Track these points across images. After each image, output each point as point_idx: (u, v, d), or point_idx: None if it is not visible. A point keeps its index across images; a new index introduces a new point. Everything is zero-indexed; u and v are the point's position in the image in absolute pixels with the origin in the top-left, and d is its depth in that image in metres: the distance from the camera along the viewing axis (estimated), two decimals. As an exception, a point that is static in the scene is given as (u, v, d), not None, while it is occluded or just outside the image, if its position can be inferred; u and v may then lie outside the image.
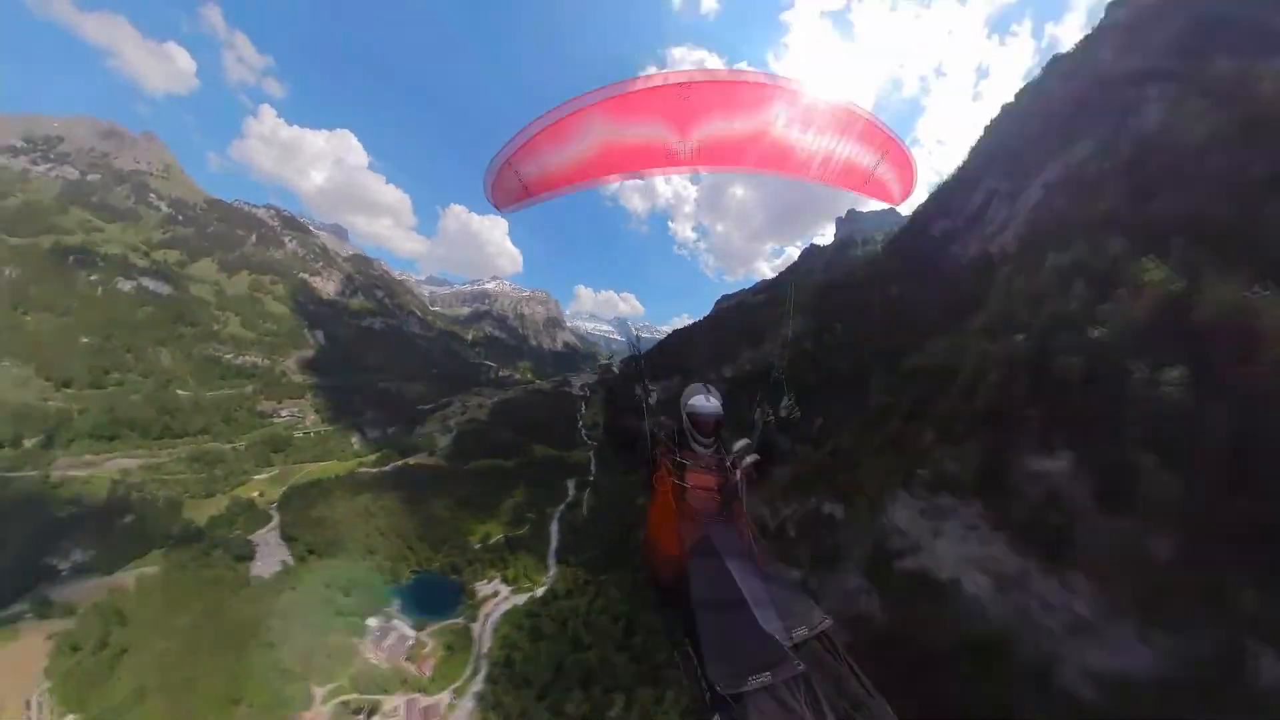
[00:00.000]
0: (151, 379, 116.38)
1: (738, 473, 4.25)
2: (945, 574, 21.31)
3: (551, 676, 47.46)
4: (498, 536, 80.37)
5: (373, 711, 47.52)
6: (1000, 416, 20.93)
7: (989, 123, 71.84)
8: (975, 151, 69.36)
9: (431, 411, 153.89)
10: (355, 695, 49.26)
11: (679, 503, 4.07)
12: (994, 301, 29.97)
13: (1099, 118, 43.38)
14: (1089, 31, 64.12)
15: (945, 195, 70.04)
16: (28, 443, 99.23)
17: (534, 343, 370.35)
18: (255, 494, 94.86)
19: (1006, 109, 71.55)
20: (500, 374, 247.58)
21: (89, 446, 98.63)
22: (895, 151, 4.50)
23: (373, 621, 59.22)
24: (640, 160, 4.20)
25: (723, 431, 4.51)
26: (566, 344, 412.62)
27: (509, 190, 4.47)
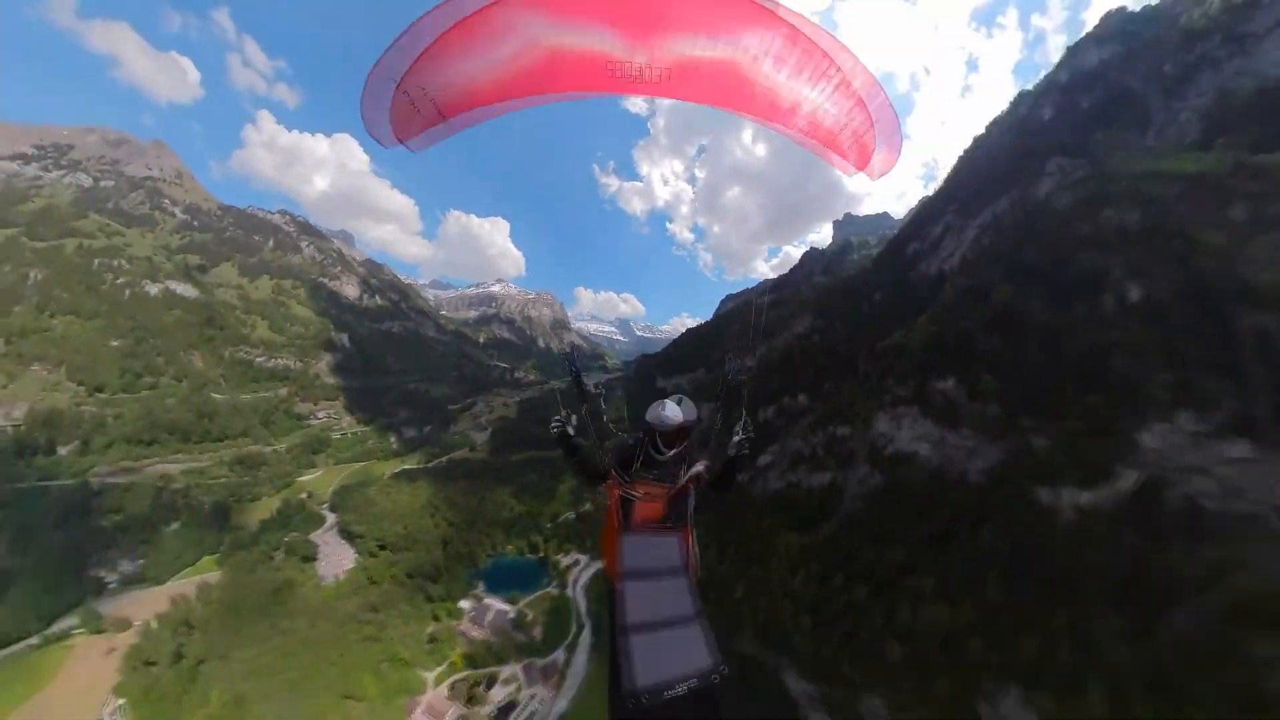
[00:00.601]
0: (186, 382, 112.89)
1: (683, 479, 4.13)
2: (907, 449, 38.28)
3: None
4: (565, 514, 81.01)
5: (491, 682, 46.13)
6: (928, 368, 39.83)
7: (950, 169, 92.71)
8: (939, 191, 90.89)
9: (460, 411, 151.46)
10: (469, 671, 47.87)
11: (625, 514, 4.01)
12: (938, 303, 47.53)
13: (1016, 179, 62.02)
14: (1031, 86, 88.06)
15: (919, 222, 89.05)
16: (62, 449, 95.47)
17: (542, 344, 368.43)
18: (304, 495, 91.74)
19: (962, 158, 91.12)
20: (515, 375, 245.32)
21: (126, 451, 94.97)
22: (885, 121, 3.79)
23: (465, 604, 58.30)
24: (581, 74, 3.36)
25: (690, 438, 4.34)
26: (572, 345, 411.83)
27: (410, 115, 3.34)
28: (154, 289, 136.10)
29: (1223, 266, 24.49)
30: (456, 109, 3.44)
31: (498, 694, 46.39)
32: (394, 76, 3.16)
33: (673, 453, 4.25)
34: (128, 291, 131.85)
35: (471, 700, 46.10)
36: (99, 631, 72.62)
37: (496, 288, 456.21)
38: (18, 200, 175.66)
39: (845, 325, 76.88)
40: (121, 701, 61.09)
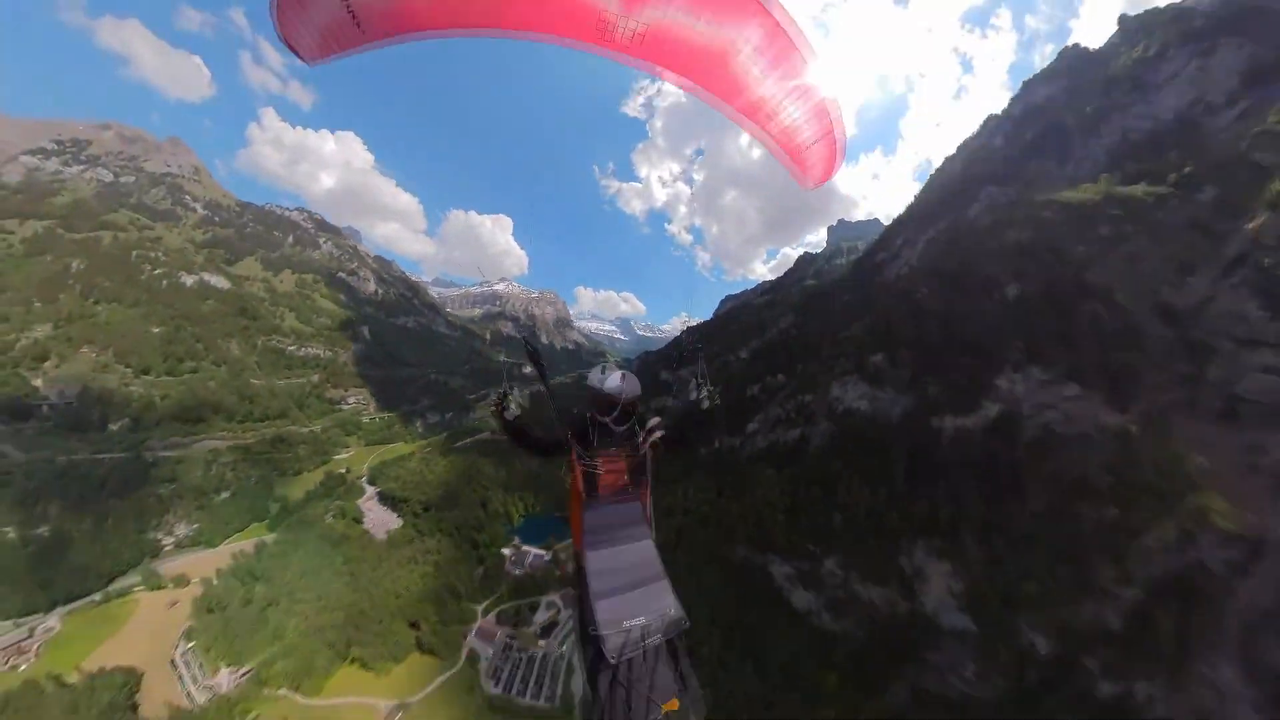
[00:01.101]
0: (225, 367, 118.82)
1: (644, 447, 4.27)
2: (853, 406, 50.28)
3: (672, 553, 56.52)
4: None
5: (534, 609, 53.91)
6: (865, 348, 52.85)
7: (918, 192, 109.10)
8: (909, 208, 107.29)
9: (476, 401, 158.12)
10: (513, 602, 55.61)
11: (590, 487, 4.13)
12: (879, 302, 62.89)
13: (958, 202, 74.43)
14: (988, 116, 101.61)
15: (888, 235, 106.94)
16: (114, 425, 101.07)
17: (546, 341, 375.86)
18: (343, 470, 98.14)
19: (930, 178, 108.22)
20: (524, 370, 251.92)
21: (175, 428, 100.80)
22: (831, 136, 3.88)
23: (506, 551, 65.64)
24: (560, 13, 2.97)
25: (638, 410, 4.35)
26: (575, 343, 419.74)
27: (320, 22, 2.81)
28: (189, 280, 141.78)
29: (1077, 273, 37.17)
30: (384, 27, 2.83)
31: (540, 617, 54.26)
32: None
33: (625, 422, 4.31)
34: (164, 282, 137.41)
35: (518, 624, 53.74)
36: (158, 588, 78.62)
37: (500, 286, 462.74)
38: (46, 194, 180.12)
39: (818, 321, 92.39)
40: (191, 644, 67.37)
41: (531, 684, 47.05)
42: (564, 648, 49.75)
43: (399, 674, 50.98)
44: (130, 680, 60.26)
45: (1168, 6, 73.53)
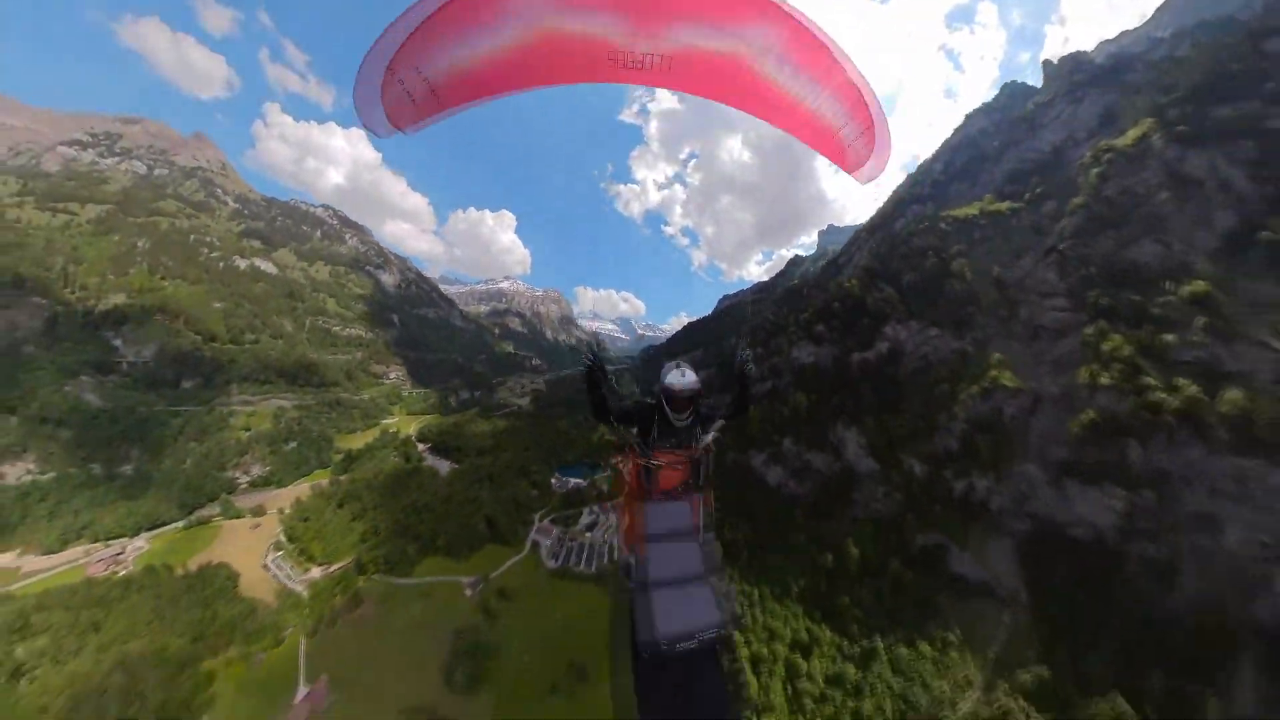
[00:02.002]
0: (281, 341, 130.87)
1: (703, 446, 4.28)
2: (805, 361, 72.20)
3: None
4: (608, 436, 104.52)
5: (578, 515, 69.48)
6: (811, 322, 77.00)
7: (875, 214, 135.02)
8: (868, 223, 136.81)
9: (498, 385, 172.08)
10: (562, 510, 71.02)
11: (647, 482, 4.15)
12: (829, 291, 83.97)
13: (893, 217, 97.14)
14: (942, 143, 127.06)
15: (849, 245, 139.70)
16: (187, 384, 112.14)
17: (551, 338, 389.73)
18: (394, 430, 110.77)
19: (882, 205, 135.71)
20: (533, 362, 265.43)
21: (246, 389, 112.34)
22: (872, 130, 3.75)
23: (551, 481, 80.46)
24: (583, 63, 3.21)
25: (701, 403, 4.35)
26: (579, 339, 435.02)
27: (402, 100, 3.16)
28: (242, 264, 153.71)
29: (947, 263, 58.58)
30: (453, 95, 3.21)
31: (585, 519, 69.47)
32: (389, 62, 2.93)
33: (687, 417, 4.25)
34: (221, 264, 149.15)
35: (568, 524, 68.84)
36: (237, 516, 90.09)
37: (505, 284, 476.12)
38: (98, 181, 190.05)
39: (791, 309, 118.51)
40: (280, 553, 79.22)
41: (582, 561, 61.78)
42: (605, 536, 65.01)
43: (477, 559, 64.83)
44: (231, 575, 72.11)
45: (1063, 60, 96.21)
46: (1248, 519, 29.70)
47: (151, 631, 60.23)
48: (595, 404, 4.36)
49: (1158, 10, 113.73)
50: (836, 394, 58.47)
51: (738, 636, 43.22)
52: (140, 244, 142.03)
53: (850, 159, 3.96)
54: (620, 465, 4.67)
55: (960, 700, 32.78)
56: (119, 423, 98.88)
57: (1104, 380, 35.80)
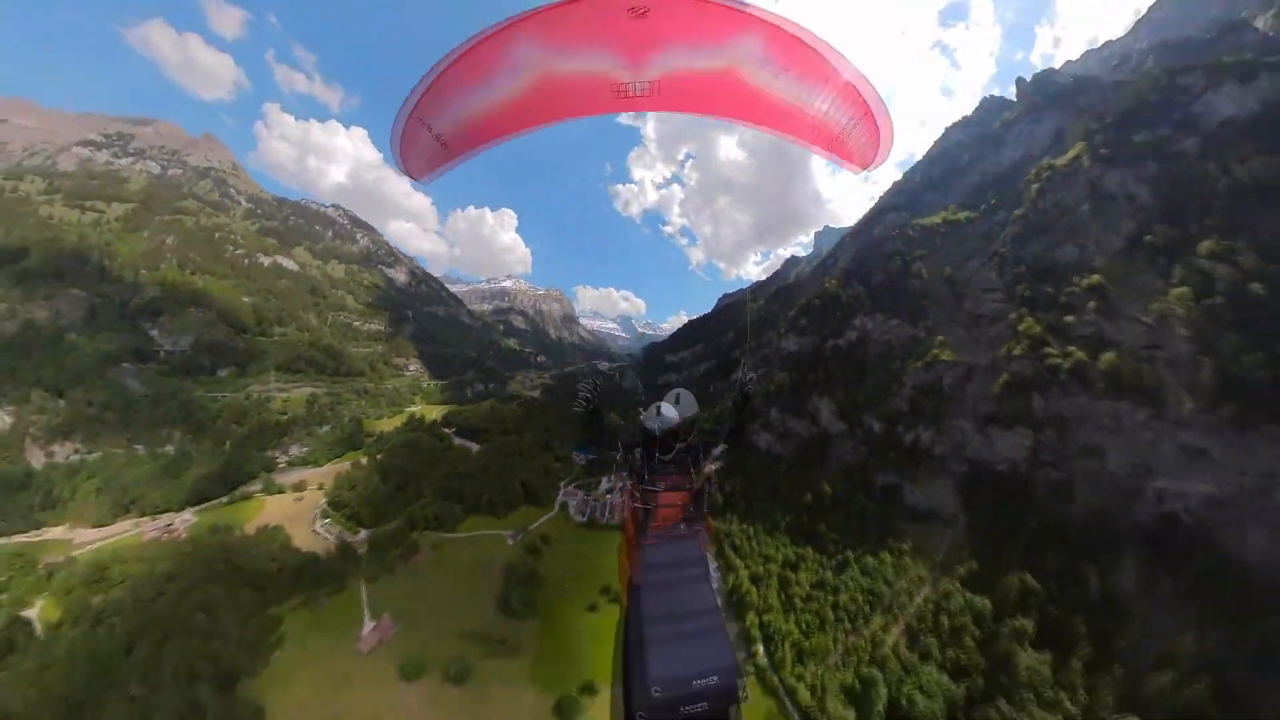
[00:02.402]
0: (308, 334, 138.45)
1: (702, 477, 4.14)
2: (790, 350, 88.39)
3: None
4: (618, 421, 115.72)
5: (598, 482, 79.57)
6: (798, 316, 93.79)
7: (860, 220, 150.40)
8: (854, 228, 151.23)
9: (509, 378, 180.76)
10: (584, 478, 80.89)
11: (644, 522, 3.99)
12: (811, 289, 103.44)
13: (873, 224, 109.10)
14: (921, 158, 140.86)
15: (836, 248, 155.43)
16: (222, 372, 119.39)
17: (554, 336, 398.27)
18: (419, 416, 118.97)
19: (864, 216, 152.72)
20: (538, 359, 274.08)
21: (280, 377, 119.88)
22: (870, 116, 3.74)
23: (573, 455, 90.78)
24: (583, 99, 3.33)
25: (688, 436, 4.25)
26: (581, 338, 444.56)
27: (423, 151, 3.47)
28: (266, 260, 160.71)
29: (909, 265, 70.91)
30: (460, 145, 3.38)
31: (604, 485, 79.36)
32: (413, 110, 3.14)
33: (676, 449, 4.17)
34: (246, 261, 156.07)
35: (589, 490, 78.71)
36: (279, 492, 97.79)
37: (508, 283, 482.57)
38: (119, 180, 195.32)
39: (781, 306, 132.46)
40: (327, 520, 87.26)
41: (605, 516, 71.47)
42: (624, 499, 76.07)
43: (515, 516, 74.07)
44: (286, 536, 79.97)
45: (1035, 77, 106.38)
46: (1122, 446, 40.30)
47: (222, 580, 68.08)
48: (595, 433, 4.64)
49: (1136, 23, 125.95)
50: (813, 372, 72.45)
51: (738, 562, 53.13)
52: (168, 240, 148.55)
53: (855, 154, 4.00)
54: (622, 497, 4.46)
55: (915, 593, 42.94)
56: (161, 405, 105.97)
57: (1017, 351, 46.61)
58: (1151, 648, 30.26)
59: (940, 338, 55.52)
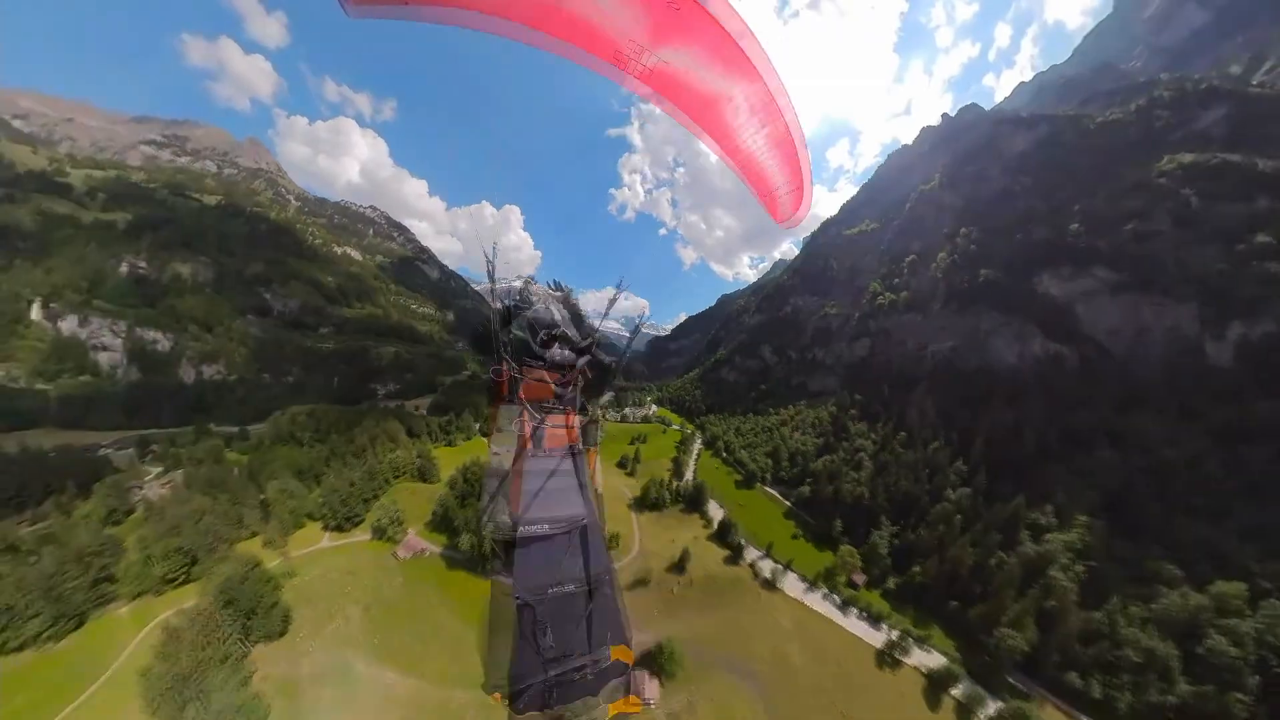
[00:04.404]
0: (382, 310, 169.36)
1: (574, 371, 3.92)
2: (753, 323, 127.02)
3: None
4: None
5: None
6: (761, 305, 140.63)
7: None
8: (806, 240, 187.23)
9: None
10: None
11: (511, 396, 3.66)
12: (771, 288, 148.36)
13: (828, 234, 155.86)
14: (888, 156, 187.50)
15: (807, 270, 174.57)
16: (323, 329, 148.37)
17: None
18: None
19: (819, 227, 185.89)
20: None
21: (367, 338, 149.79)
22: (800, 190, 4.46)
23: None
24: (584, 35, 3.14)
25: (567, 349, 3.94)
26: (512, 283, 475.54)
27: None
28: (338, 250, 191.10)
29: (856, 263, 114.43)
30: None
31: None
32: None
33: (552, 354, 3.85)
34: (323, 249, 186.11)
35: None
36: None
37: (518, 283, 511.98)
38: (200, 176, 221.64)
39: (768, 303, 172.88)
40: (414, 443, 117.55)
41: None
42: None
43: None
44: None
45: (937, 126, 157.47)
46: (912, 334, 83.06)
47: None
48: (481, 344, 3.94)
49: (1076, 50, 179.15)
50: (763, 333, 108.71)
51: (711, 420, 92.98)
52: (261, 228, 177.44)
53: (779, 211, 4.73)
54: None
55: (816, 444, 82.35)
56: (283, 348, 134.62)
57: (865, 302, 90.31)
58: (927, 424, 70.71)
59: (833, 302, 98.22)
